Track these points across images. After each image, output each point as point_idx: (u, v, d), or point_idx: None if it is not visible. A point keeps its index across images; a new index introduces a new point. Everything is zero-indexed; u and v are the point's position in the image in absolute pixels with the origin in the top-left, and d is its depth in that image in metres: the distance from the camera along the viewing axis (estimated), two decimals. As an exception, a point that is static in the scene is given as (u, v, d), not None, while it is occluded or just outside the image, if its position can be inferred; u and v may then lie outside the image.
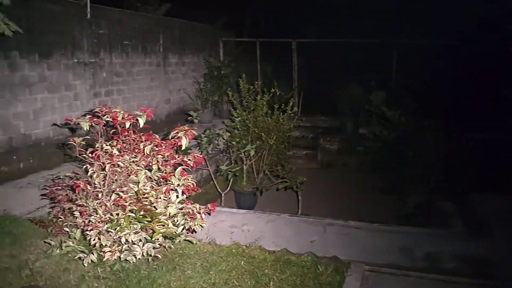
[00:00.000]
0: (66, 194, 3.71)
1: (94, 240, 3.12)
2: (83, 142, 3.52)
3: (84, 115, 3.63)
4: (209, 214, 3.57)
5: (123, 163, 3.38)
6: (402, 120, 7.12)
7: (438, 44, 9.98)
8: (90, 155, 3.49)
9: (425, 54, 10.31)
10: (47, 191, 3.92)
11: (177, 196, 3.37)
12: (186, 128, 3.76)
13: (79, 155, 3.54)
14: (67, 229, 3.52)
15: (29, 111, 6.00)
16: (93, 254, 3.16)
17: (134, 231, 3.11)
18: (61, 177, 3.85)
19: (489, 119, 9.20)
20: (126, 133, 3.64)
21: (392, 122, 7.27)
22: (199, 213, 3.45)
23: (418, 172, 6.68)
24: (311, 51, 12.48)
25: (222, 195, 6.71)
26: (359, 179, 8.56)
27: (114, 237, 3.15)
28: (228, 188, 6.73)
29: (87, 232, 3.20)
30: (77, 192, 3.48)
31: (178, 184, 3.39)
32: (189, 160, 3.58)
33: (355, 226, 4.33)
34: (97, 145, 3.51)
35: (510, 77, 9.18)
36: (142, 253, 3.14)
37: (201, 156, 3.73)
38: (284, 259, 3.53)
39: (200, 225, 3.38)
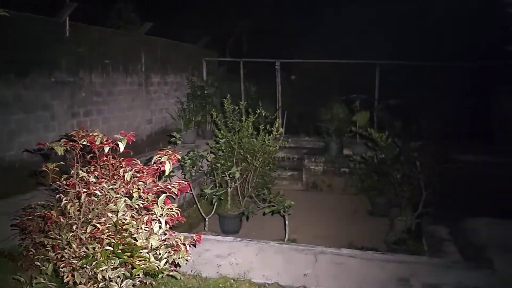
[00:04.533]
0: (38, 224, 3.42)
1: (67, 277, 2.83)
2: (57, 169, 3.24)
3: (59, 140, 3.35)
4: (194, 245, 3.32)
5: (101, 192, 3.11)
6: (389, 142, 7.00)
7: (421, 64, 10.03)
8: (64, 182, 3.21)
9: (410, 74, 10.35)
10: (17, 221, 3.62)
11: (160, 227, 3.12)
12: (170, 152, 3.53)
13: (53, 182, 3.26)
14: (38, 263, 3.21)
15: (3, 132, 5.69)
16: (66, 293, 2.87)
17: (112, 267, 2.83)
18: (33, 205, 3.55)
19: (479, 140, 9.28)
20: (104, 158, 3.38)
21: (378, 144, 7.15)
22: (184, 244, 3.20)
23: (407, 195, 6.55)
24: (295, 71, 12.46)
25: (206, 219, 6.44)
26: (346, 201, 8.42)
27: (90, 274, 2.87)
28: (213, 212, 6.47)
29: (60, 268, 2.91)
30: (49, 223, 3.19)
31: (161, 214, 3.13)
32: (173, 187, 3.33)
33: (348, 255, 4.12)
34: (72, 172, 3.25)
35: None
36: (121, 291, 2.86)
37: (185, 182, 3.48)
38: (275, 293, 3.30)
39: (185, 258, 3.12)
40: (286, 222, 6.04)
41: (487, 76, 9.82)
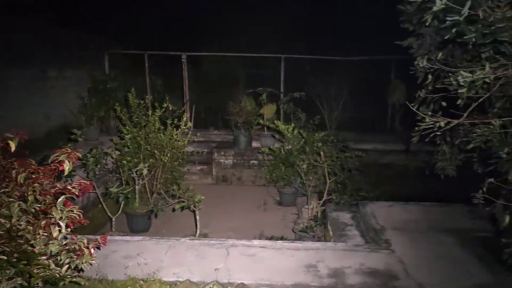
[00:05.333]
0: None
1: (-48, 293, 2.55)
2: None
3: None
4: (98, 248, 3.15)
5: (-10, 196, 2.84)
6: (295, 133, 7.23)
7: (323, 58, 10.50)
8: None
9: (316, 68, 10.80)
10: None
11: (60, 231, 2.92)
12: (69, 150, 3.31)
13: None
14: None
15: None
16: (-49, 311, 2.59)
17: (6, 277, 2.60)
18: None
19: (379, 130, 10.01)
20: (-7, 160, 3.08)
21: (285, 135, 7.36)
22: (87, 248, 3.03)
23: (312, 184, 6.82)
24: (203, 64, 12.38)
25: (113, 219, 6.18)
26: (255, 193, 8.56)
27: (-20, 287, 2.61)
28: (120, 211, 6.22)
29: None
30: None
31: (61, 217, 2.93)
32: (73, 187, 3.13)
33: (259, 246, 4.19)
34: (-45, 176, 2.92)
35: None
36: (17, 303, 2.63)
37: (88, 182, 3.29)
38: (186, 291, 3.26)
39: (89, 263, 2.95)
40: (197, 217, 5.99)
41: (386, 69, 10.59)
